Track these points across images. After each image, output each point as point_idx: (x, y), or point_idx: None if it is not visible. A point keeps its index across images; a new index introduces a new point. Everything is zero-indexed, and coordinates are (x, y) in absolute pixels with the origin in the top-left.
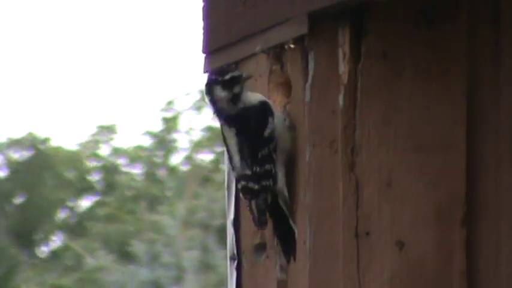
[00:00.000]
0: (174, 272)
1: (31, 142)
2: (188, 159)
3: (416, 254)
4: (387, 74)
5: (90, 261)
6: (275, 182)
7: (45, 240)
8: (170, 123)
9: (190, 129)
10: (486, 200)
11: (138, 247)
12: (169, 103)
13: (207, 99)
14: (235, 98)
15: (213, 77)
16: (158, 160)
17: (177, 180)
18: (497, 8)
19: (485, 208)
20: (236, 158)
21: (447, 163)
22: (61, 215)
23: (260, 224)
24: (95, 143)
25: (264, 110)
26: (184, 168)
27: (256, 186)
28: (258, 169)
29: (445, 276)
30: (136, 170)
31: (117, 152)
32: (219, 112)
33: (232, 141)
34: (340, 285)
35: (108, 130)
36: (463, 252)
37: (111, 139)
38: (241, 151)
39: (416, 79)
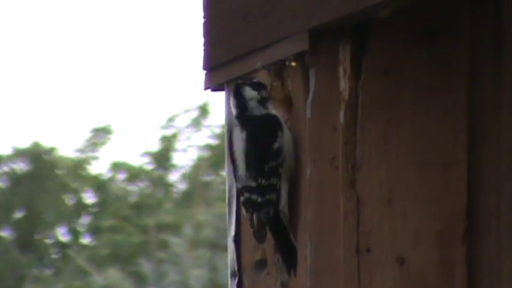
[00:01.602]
0: None
1: (36, 153)
2: (186, 177)
3: (417, 271)
4: (388, 90)
5: (97, 279)
6: (278, 197)
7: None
8: (169, 141)
9: (188, 146)
10: (487, 217)
11: (145, 266)
12: (170, 120)
13: (233, 103)
14: (263, 101)
15: (241, 81)
16: (155, 177)
17: (176, 199)
18: (499, 24)
19: (487, 225)
20: (241, 166)
21: (448, 179)
22: (62, 230)
23: (260, 238)
24: (92, 146)
25: (274, 123)
26: (183, 186)
27: (259, 199)
28: (263, 181)
29: None
30: (134, 187)
31: (116, 166)
32: (242, 112)
33: (241, 147)
34: None
35: (103, 132)
36: (464, 268)
37: (108, 140)
38: (247, 159)
39: (418, 95)
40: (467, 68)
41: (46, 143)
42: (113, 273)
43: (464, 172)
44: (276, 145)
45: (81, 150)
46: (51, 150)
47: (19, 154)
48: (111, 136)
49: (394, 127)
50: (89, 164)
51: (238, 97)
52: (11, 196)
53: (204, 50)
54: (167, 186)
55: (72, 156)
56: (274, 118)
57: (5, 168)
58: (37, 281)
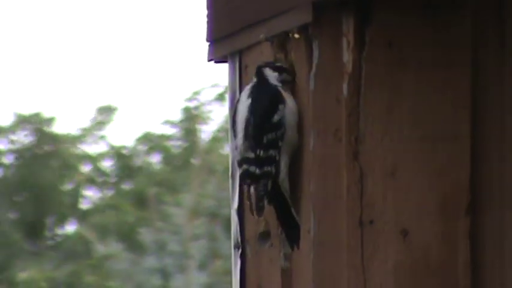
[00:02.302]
0: (180, 261)
1: (37, 123)
2: (207, 151)
3: (421, 243)
4: (392, 62)
5: (98, 248)
6: (277, 170)
7: (54, 228)
8: (193, 113)
9: (209, 118)
10: (490, 190)
11: (145, 236)
12: (196, 93)
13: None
14: (282, 81)
15: (263, 63)
16: (176, 151)
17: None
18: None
19: (490, 198)
20: (240, 135)
21: (452, 152)
22: (68, 202)
23: (258, 210)
24: (98, 124)
25: (275, 95)
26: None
27: (257, 171)
28: (261, 153)
29: (449, 265)
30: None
31: (140, 138)
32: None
33: (243, 115)
34: (344, 273)
35: (107, 111)
36: (467, 241)
37: (111, 120)
38: (246, 129)
39: (421, 68)
40: (470, 41)
41: (47, 114)
42: (114, 244)
43: (467, 145)
44: (276, 117)
45: (85, 130)
46: (51, 120)
47: (21, 122)
48: (114, 115)
49: (398, 100)
50: (95, 142)
51: (259, 75)
52: (14, 174)
53: (208, 22)
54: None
55: (75, 133)
56: (277, 91)
57: (8, 141)
58: (33, 256)
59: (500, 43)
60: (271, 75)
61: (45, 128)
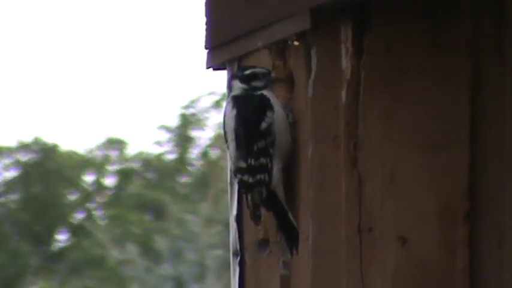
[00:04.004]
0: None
1: (39, 147)
2: (204, 155)
3: (419, 250)
4: (390, 69)
5: (113, 253)
6: (270, 177)
7: (55, 238)
8: (189, 119)
9: (206, 125)
10: (489, 197)
11: (160, 243)
12: (193, 101)
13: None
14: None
15: (234, 72)
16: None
17: (194, 177)
18: (501, 4)
19: (489, 205)
20: (232, 145)
21: (451, 159)
22: (73, 216)
23: (254, 219)
24: (105, 150)
25: (262, 103)
26: (199, 163)
27: (250, 180)
28: (252, 162)
29: (447, 272)
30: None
31: (134, 157)
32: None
33: (231, 126)
34: (342, 280)
35: (117, 143)
36: (466, 248)
37: (122, 149)
38: (237, 138)
39: (420, 75)
40: (469, 47)
41: (49, 139)
42: (130, 249)
43: (466, 152)
44: (264, 125)
45: (92, 152)
46: (54, 147)
47: (23, 147)
48: (124, 147)
49: (397, 106)
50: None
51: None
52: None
53: (206, 29)
54: (185, 164)
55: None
56: (264, 98)
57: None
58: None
59: (500, 50)
60: (237, 87)
61: (49, 148)
